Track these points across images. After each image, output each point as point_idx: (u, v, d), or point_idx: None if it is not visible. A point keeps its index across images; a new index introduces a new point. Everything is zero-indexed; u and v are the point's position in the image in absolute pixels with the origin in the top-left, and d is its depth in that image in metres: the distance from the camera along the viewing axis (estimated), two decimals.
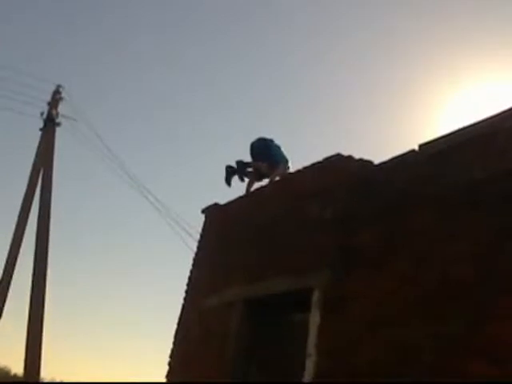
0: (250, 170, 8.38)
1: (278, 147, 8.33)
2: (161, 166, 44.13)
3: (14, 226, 17.78)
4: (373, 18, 35.74)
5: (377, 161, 5.66)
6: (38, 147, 18.50)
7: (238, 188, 8.27)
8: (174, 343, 7.64)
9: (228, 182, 8.39)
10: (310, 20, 37.50)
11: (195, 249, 8.30)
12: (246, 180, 8.41)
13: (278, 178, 7.89)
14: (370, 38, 38.25)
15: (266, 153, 8.21)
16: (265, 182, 8.14)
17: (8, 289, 17.21)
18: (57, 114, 18.88)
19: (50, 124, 18.65)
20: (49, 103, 19.02)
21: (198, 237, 8.44)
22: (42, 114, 18.78)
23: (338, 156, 5.94)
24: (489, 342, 3.84)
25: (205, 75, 43.42)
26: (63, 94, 19.23)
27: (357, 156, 5.87)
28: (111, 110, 43.05)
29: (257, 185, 8.19)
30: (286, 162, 8.17)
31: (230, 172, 8.39)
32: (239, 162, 8.41)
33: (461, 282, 4.18)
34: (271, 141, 8.35)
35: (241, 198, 7.77)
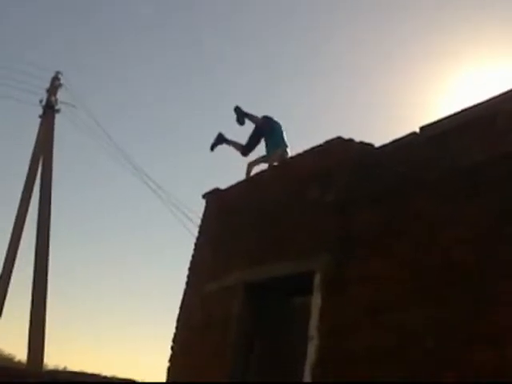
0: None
1: (282, 131, 8.34)
2: (161, 151, 44.11)
3: (14, 214, 17.81)
4: (373, 3, 35.52)
5: (378, 144, 5.64)
6: (38, 134, 18.48)
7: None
8: (177, 328, 7.67)
9: (240, 122, 8.49)
10: (310, 9, 37.31)
11: (196, 234, 8.31)
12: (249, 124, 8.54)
13: (275, 163, 7.88)
14: (370, 24, 38.05)
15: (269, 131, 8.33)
16: (263, 166, 8.15)
17: (10, 277, 17.27)
18: (56, 100, 18.84)
19: (49, 111, 18.62)
20: (48, 90, 18.97)
21: (199, 222, 8.45)
22: (41, 101, 18.76)
23: (339, 139, 5.92)
24: (489, 326, 3.84)
25: (204, 63, 43.25)
26: (62, 81, 19.20)
27: (357, 139, 5.85)
28: (111, 97, 42.94)
29: (257, 169, 8.19)
30: (286, 147, 8.16)
31: (239, 113, 8.48)
32: (238, 109, 8.48)
33: (461, 267, 4.18)
34: (277, 123, 8.39)
35: (241, 182, 7.76)
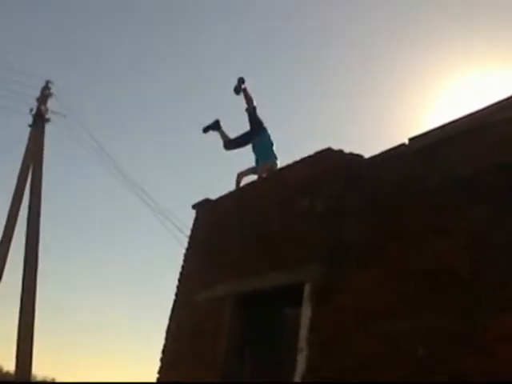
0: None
1: (272, 143, 8.37)
2: (151, 161, 44.06)
3: (3, 223, 17.71)
4: (368, 11, 35.73)
5: (367, 155, 5.66)
6: (28, 144, 18.41)
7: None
8: (166, 339, 7.64)
9: (237, 91, 8.53)
10: (308, 13, 37.46)
11: (186, 244, 8.29)
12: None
13: (265, 175, 7.90)
14: (361, 36, 38.25)
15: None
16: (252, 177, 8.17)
17: None
18: (46, 109, 18.78)
19: (39, 120, 18.56)
20: (38, 99, 18.92)
21: (188, 232, 8.44)
22: (31, 110, 18.70)
23: (329, 150, 5.94)
24: (482, 334, 3.84)
25: (198, 72, 43.31)
26: (52, 90, 19.15)
27: (347, 150, 5.87)
28: (101, 106, 42.91)
29: (246, 180, 8.19)
30: (275, 159, 8.19)
31: (239, 85, 8.53)
32: (241, 80, 8.52)
33: (452, 275, 4.19)
34: (265, 132, 8.45)
35: (231, 193, 7.77)
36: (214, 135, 8.93)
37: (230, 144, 8.77)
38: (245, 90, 8.50)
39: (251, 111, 8.49)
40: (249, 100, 8.52)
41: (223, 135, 8.85)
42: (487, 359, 3.75)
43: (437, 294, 4.27)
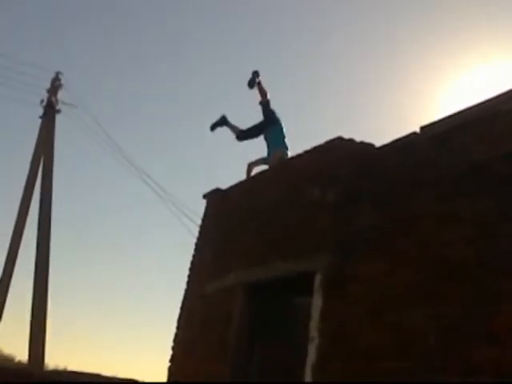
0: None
1: (284, 135, 8.37)
2: (162, 152, 44.09)
3: (15, 214, 17.82)
4: (373, 2, 35.52)
5: (378, 144, 5.64)
6: (39, 135, 18.49)
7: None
8: (177, 328, 7.67)
9: (251, 85, 8.54)
10: (310, 10, 37.30)
11: (197, 234, 8.31)
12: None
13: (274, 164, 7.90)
14: (371, 24, 38.04)
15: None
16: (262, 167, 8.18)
17: (11, 278, 17.27)
18: (56, 101, 18.85)
19: (49, 111, 18.63)
20: (48, 90, 18.97)
21: (199, 222, 8.45)
22: (41, 101, 18.76)
23: (339, 139, 5.91)
24: (491, 324, 3.83)
25: (204, 64, 43.25)
26: (62, 81, 19.20)
27: (358, 139, 5.84)
28: (111, 97, 42.95)
29: (257, 169, 8.19)
30: (286, 149, 8.18)
31: (254, 79, 8.54)
32: (256, 73, 8.53)
33: (462, 264, 4.18)
34: (279, 122, 8.46)
35: (242, 182, 7.76)
36: (223, 130, 8.94)
37: (243, 135, 8.76)
38: (259, 84, 8.49)
39: (265, 104, 8.48)
40: (263, 93, 8.52)
41: (233, 128, 8.84)
42: (497, 349, 3.74)
43: (446, 283, 4.25)
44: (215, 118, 8.92)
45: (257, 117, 8.58)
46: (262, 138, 8.52)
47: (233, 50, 42.82)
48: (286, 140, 8.34)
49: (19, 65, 20.65)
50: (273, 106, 8.54)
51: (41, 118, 18.72)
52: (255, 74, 8.48)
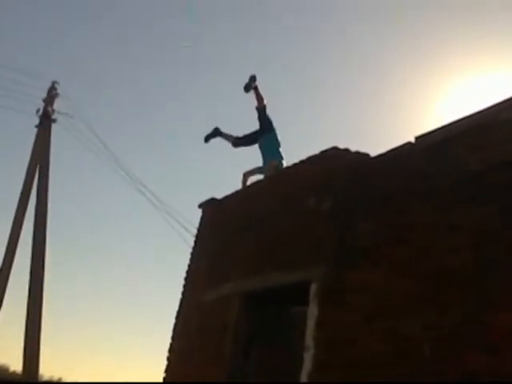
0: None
1: (279, 143, 8.39)
2: (157, 161, 44.15)
3: (10, 223, 17.76)
4: (371, 9, 35.69)
5: (373, 153, 5.66)
6: (34, 144, 18.46)
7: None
8: (173, 338, 7.65)
9: (247, 89, 8.55)
10: (315, 13, 37.44)
11: (192, 244, 8.31)
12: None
13: (270, 173, 7.92)
14: (368, 30, 38.19)
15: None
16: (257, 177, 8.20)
17: (5, 288, 17.19)
18: (52, 110, 18.84)
19: (45, 121, 18.61)
20: (44, 100, 18.97)
21: (195, 232, 8.46)
22: (37, 110, 18.75)
23: (335, 149, 5.94)
24: (488, 332, 3.84)
25: (202, 73, 43.37)
26: (59, 91, 19.20)
27: (353, 149, 5.87)
28: (107, 107, 42.99)
29: (253, 179, 8.22)
30: (281, 159, 8.20)
31: (251, 83, 8.56)
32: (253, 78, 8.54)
33: (460, 273, 4.19)
34: (273, 131, 8.48)
35: (237, 192, 7.78)
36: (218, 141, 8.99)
37: (239, 142, 8.81)
38: (256, 88, 8.51)
39: (261, 110, 8.50)
40: (260, 98, 8.54)
41: (227, 137, 8.92)
42: (493, 357, 3.75)
43: (443, 292, 4.26)
44: (210, 129, 9.00)
45: (253, 121, 8.64)
46: (256, 146, 8.55)
47: (230, 57, 42.95)
48: (281, 149, 8.36)
49: (15, 74, 20.66)
50: (270, 111, 8.57)
51: (37, 127, 18.71)
52: (252, 78, 8.49)
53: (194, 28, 42.67)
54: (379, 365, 4.51)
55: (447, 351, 4.06)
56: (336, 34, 38.88)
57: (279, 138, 8.43)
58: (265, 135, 8.42)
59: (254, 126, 8.61)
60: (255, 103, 8.56)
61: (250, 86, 8.50)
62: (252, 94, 8.53)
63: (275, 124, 8.53)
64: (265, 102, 8.56)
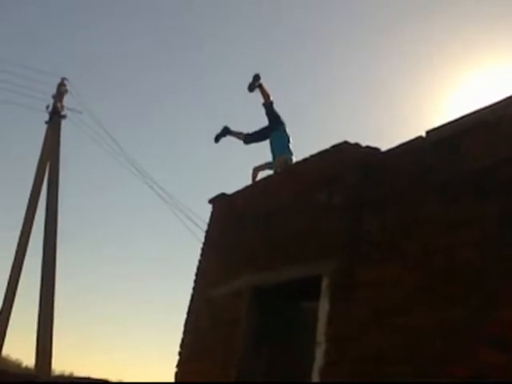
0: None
1: (288, 139, 8.40)
2: (168, 157, 44.23)
3: (22, 219, 17.87)
4: (380, 5, 35.53)
5: (384, 148, 5.65)
6: (44, 140, 18.56)
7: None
8: (184, 333, 7.68)
9: (251, 88, 8.56)
10: (320, 11, 37.35)
11: (203, 239, 8.33)
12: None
13: (280, 169, 7.93)
14: (375, 28, 38.02)
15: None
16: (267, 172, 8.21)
17: (17, 284, 17.31)
18: (62, 106, 18.92)
19: (55, 117, 18.71)
20: (54, 96, 19.05)
21: (205, 227, 8.48)
22: (47, 107, 18.84)
23: (345, 144, 5.93)
24: (497, 327, 3.83)
25: (210, 68, 43.33)
26: (68, 87, 19.27)
27: (363, 144, 5.86)
28: (117, 102, 43.08)
29: (263, 174, 8.23)
30: (291, 154, 8.21)
31: (255, 79, 8.57)
32: (257, 77, 8.56)
33: (468, 268, 4.18)
34: (282, 126, 8.49)
35: (247, 187, 7.78)
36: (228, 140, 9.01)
37: (249, 138, 8.83)
38: (261, 86, 8.52)
39: (268, 106, 8.51)
40: (265, 95, 8.54)
41: (237, 135, 8.94)
42: (502, 352, 3.74)
43: (453, 287, 4.25)
44: (220, 127, 9.05)
45: (261, 118, 8.65)
46: (267, 142, 8.57)
47: (237, 52, 42.90)
48: (291, 144, 8.36)
49: (24, 70, 20.73)
50: (278, 107, 8.57)
51: (46, 123, 18.80)
52: (256, 77, 8.51)
53: (198, 24, 42.62)
54: (390, 359, 4.52)
55: (456, 347, 4.05)
56: (342, 26, 38.70)
57: (288, 132, 8.44)
58: (274, 131, 8.43)
59: (262, 121, 8.63)
60: (262, 100, 8.57)
61: (254, 85, 8.52)
62: (257, 92, 8.54)
63: (284, 119, 8.54)
64: (271, 98, 8.56)
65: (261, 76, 8.52)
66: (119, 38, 44.49)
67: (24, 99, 20.45)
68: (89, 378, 10.31)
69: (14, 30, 40.47)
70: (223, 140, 9.05)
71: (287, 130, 8.46)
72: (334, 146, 6.05)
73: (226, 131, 8.99)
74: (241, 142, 8.93)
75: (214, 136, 9.07)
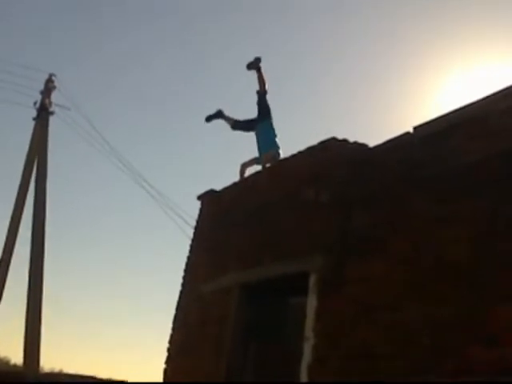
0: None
1: (274, 133, 8.37)
2: (157, 154, 44.12)
3: (9, 217, 17.76)
4: (370, 4, 35.59)
5: (372, 144, 5.65)
6: (32, 137, 18.42)
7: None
8: (173, 329, 7.67)
9: (249, 67, 8.53)
10: (311, 6, 37.33)
11: (192, 235, 8.31)
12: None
13: (268, 165, 7.92)
14: (369, 23, 38.11)
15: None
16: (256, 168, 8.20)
17: (5, 281, 17.21)
18: (50, 103, 18.78)
19: (43, 113, 18.56)
20: (41, 92, 18.91)
21: (194, 224, 8.45)
22: (35, 103, 18.69)
23: (333, 140, 5.93)
24: (487, 324, 3.84)
25: (202, 63, 43.21)
26: (56, 83, 19.13)
27: (351, 139, 5.86)
28: (105, 99, 42.88)
29: (250, 170, 8.21)
30: (278, 148, 8.19)
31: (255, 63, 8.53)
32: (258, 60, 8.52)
33: (458, 265, 4.19)
34: (271, 126, 8.45)
35: (236, 184, 7.77)
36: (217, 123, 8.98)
37: (237, 125, 8.82)
38: (259, 70, 8.45)
39: (262, 95, 8.46)
40: (262, 82, 8.49)
41: (228, 119, 8.89)
42: (493, 349, 3.75)
43: (442, 283, 4.26)
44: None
45: (252, 107, 8.62)
46: (253, 135, 8.51)
47: (229, 49, 42.83)
48: (277, 138, 8.33)
49: (11, 66, 20.58)
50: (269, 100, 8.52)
51: (34, 119, 18.66)
52: (257, 59, 8.46)
53: (193, 19, 42.47)
54: (378, 356, 4.52)
55: (446, 343, 4.06)
56: (335, 21, 38.71)
57: (275, 127, 8.41)
58: (261, 122, 8.39)
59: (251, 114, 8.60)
60: (256, 86, 8.51)
61: (253, 64, 8.45)
62: (254, 75, 8.49)
63: (273, 113, 8.51)
64: (267, 86, 8.49)
65: (261, 61, 8.45)
66: (108, 31, 44.26)
67: (11, 95, 20.34)
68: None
69: (0, 26, 40.17)
70: (213, 134, 9.04)
71: (273, 124, 8.41)
72: (321, 142, 6.05)
73: (219, 114, 8.94)
74: (229, 127, 8.91)
75: (206, 116, 9.00)
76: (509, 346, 3.68)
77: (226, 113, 8.91)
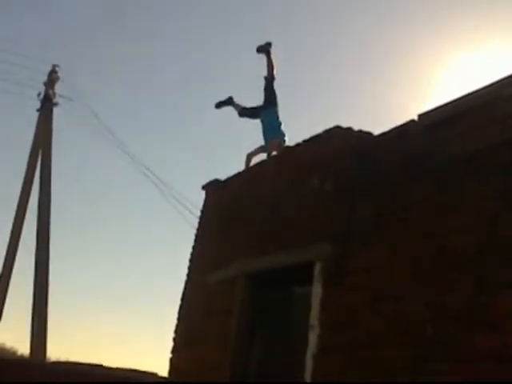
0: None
1: (279, 121, 8.34)
2: (161, 144, 44.06)
3: (15, 207, 17.82)
4: None
5: (376, 132, 5.62)
6: (36, 128, 18.45)
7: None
8: (178, 319, 7.69)
9: (259, 50, 8.48)
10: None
11: (196, 226, 8.31)
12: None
13: (274, 153, 7.90)
14: (367, 13, 37.88)
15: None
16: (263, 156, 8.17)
17: (11, 271, 17.29)
18: (54, 94, 18.79)
19: (47, 104, 18.57)
20: (45, 83, 18.91)
21: (199, 214, 8.45)
22: (38, 94, 18.70)
23: (338, 128, 5.90)
24: (490, 312, 3.84)
25: (205, 56, 43.10)
26: (60, 74, 19.13)
27: (356, 127, 5.83)
28: (109, 89, 42.82)
29: (256, 159, 8.18)
30: (283, 136, 8.16)
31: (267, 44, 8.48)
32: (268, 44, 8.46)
33: (461, 253, 4.17)
34: (277, 113, 8.41)
35: (240, 173, 7.75)
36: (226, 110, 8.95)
37: (244, 112, 8.77)
38: (269, 55, 8.39)
39: (269, 80, 8.42)
40: (271, 67, 8.42)
41: (237, 107, 8.86)
42: (496, 337, 3.74)
43: (445, 272, 4.25)
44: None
45: (258, 93, 8.57)
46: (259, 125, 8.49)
47: (233, 38, 42.65)
48: (282, 126, 8.30)
49: (15, 57, 20.57)
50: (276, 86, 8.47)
51: (38, 111, 18.67)
52: (268, 43, 8.40)
53: (199, 17, 42.26)
54: (383, 344, 4.53)
55: (450, 331, 4.06)
56: (333, 8, 38.45)
57: (279, 115, 8.38)
58: (267, 109, 8.36)
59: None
60: (265, 71, 8.44)
61: (263, 47, 8.39)
62: (264, 58, 8.41)
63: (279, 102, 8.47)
64: (275, 72, 8.42)
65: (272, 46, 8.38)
66: (112, 23, 44.10)
67: (15, 86, 20.33)
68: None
69: (4, 16, 40.07)
70: (219, 123, 9.02)
71: (278, 112, 8.38)
72: (326, 131, 6.02)
73: (229, 101, 8.88)
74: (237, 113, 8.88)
75: (216, 102, 8.94)
76: (510, 334, 3.67)
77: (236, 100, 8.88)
